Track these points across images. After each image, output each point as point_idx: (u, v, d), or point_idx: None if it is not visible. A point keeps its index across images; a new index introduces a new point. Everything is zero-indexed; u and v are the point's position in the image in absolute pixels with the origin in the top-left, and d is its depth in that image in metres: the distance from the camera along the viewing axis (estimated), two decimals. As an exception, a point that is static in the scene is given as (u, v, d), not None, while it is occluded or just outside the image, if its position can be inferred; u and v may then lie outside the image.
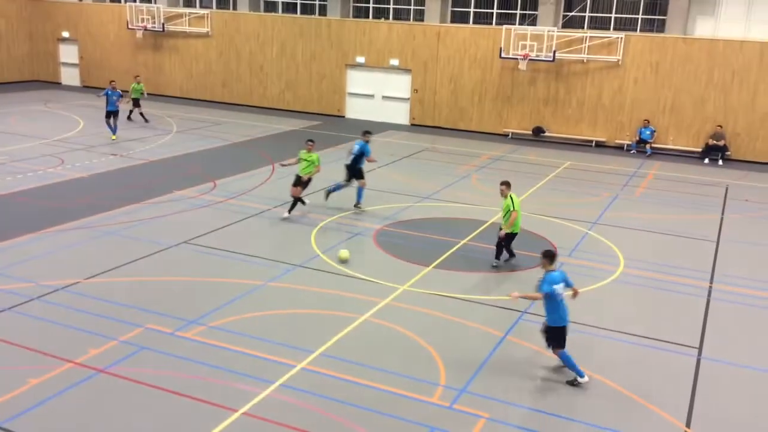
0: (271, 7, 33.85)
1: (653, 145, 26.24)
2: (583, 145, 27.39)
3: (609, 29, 27.49)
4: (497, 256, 13.76)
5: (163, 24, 33.80)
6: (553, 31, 26.83)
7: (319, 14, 32.52)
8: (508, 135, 28.59)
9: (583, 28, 27.87)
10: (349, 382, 9.16)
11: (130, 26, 34.41)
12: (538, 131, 28.09)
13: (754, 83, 24.91)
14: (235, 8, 33.96)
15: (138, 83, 27.59)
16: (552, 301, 9.21)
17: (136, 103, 27.57)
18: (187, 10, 34.00)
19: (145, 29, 34.13)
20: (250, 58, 33.07)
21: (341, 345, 10.17)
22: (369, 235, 15.25)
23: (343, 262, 11.99)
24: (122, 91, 25.10)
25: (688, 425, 8.61)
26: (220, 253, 13.72)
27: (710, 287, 13.15)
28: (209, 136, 25.67)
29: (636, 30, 27.23)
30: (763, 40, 24.86)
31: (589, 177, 22.30)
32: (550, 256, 9.49)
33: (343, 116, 31.77)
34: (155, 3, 34.45)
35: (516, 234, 13.63)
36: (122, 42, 35.51)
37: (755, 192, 21.03)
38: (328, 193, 17.15)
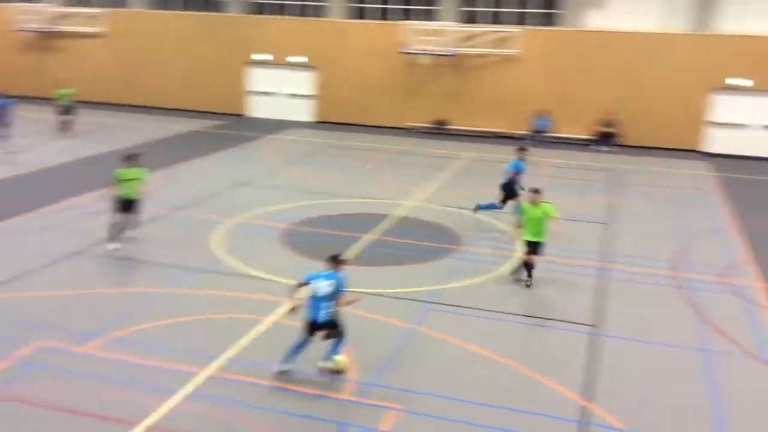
0: (167, 5, 32.82)
1: (550, 135, 27.18)
2: (485, 136, 28.05)
3: (506, 23, 28.24)
4: (530, 275, 12.55)
5: (53, 24, 32.14)
6: (453, 26, 27.29)
7: (218, 11, 31.81)
8: (412, 129, 28.92)
9: (481, 22, 28.50)
10: (258, 386, 8.99)
11: (17, 27, 32.53)
12: (441, 124, 28.55)
13: (642, 72, 26.20)
14: (129, 6, 32.72)
15: (65, 88, 25.59)
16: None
17: (67, 110, 25.38)
18: (79, 9, 32.50)
19: (34, 30, 32.35)
20: (147, 57, 31.97)
21: (248, 348, 9.97)
22: (275, 235, 15.04)
23: (339, 369, 9.32)
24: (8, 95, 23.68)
25: (589, 400, 8.95)
26: (118, 262, 13.18)
27: (604, 267, 13.72)
28: (106, 140, 24.63)
29: (531, 24, 28.09)
30: (649, 31, 26.19)
31: (491, 167, 22.77)
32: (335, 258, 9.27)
33: (247, 115, 31.25)
34: (44, 2, 32.71)
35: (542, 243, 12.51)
36: (9, 44, 33.52)
37: (644, 176, 22.13)
38: (478, 208, 16.44)
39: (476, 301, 11.98)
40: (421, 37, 27.48)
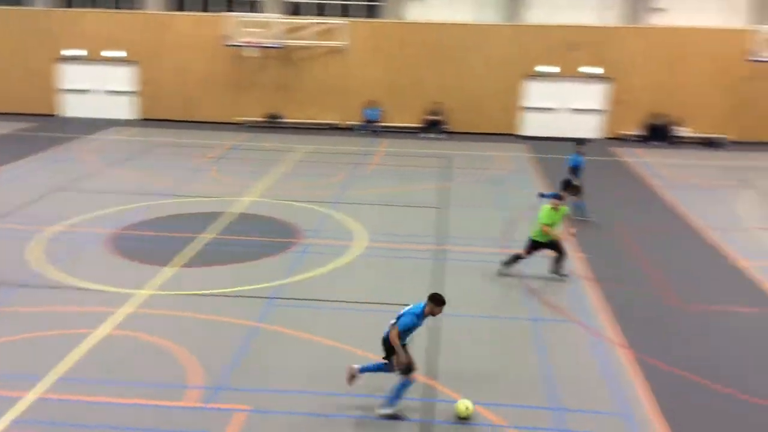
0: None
1: (380, 124, 27.82)
2: (318, 128, 28.14)
3: (332, 15, 28.41)
4: (511, 263, 12.87)
5: None
6: (279, 18, 27.04)
7: (22, 4, 29.12)
8: (244, 124, 28.34)
9: (305, 14, 28.47)
10: (94, 404, 8.41)
11: None
12: (273, 118, 28.25)
13: (462, 61, 27.51)
14: None
15: None
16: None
17: None
18: None
19: None
20: (-64, 54, 28.64)
21: (80, 365, 9.29)
22: (102, 242, 14.12)
23: (465, 415, 8.42)
24: None
25: (434, 378, 9.30)
26: None
27: (439, 249, 14.30)
28: None
29: (355, 16, 28.49)
30: (466, 23, 27.55)
31: (326, 159, 22.98)
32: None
33: (60, 115, 28.98)
34: None
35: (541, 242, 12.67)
36: None
37: (469, 160, 23.29)
38: (542, 196, 15.30)
39: (319, 292, 12.02)
40: (246, 29, 26.96)
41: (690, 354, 10.20)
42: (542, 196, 15.53)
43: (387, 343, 8.35)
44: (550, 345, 10.35)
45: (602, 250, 14.66)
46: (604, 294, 12.28)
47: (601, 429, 8.32)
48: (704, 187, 20.07)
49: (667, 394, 9.04)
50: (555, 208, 12.55)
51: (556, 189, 14.00)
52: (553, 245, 12.69)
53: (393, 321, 8.35)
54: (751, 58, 26.06)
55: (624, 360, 9.96)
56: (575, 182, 15.53)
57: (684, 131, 26.96)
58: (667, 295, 12.27)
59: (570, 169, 16.52)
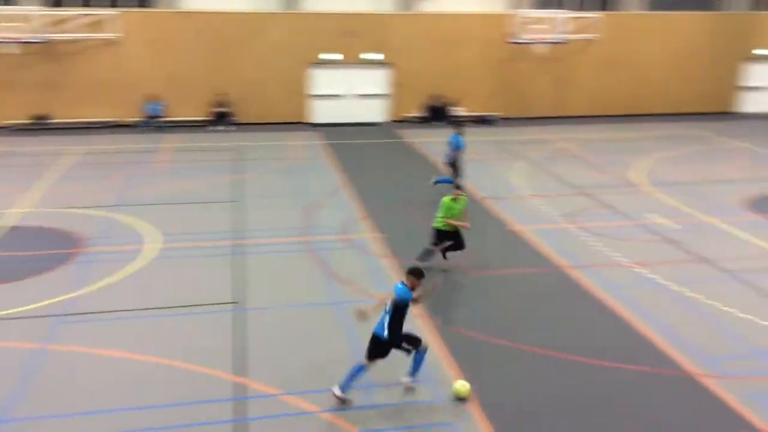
0: None
1: (164, 119, 26.51)
2: (95, 127, 26.12)
3: (99, 5, 26.38)
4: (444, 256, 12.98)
5: None
6: (39, 10, 24.61)
7: None
8: (6, 127, 25.50)
9: (69, 5, 26.17)
10: None
11: None
12: (41, 119, 25.76)
13: (244, 51, 26.99)
14: None
15: None
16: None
17: None
18: None
19: None
20: None
21: None
22: None
23: (463, 395, 8.62)
24: None
25: (245, 375, 9.10)
26: None
27: (239, 244, 14.00)
28: None
29: (126, 5, 26.73)
30: (244, 11, 27.04)
31: (106, 159, 21.44)
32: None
33: None
34: None
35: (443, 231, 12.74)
36: None
37: (262, 150, 22.99)
38: (437, 182, 17.42)
39: (111, 303, 11.21)
40: (2, 24, 24.19)
41: (485, 316, 10.98)
42: (436, 182, 17.68)
43: (385, 338, 8.36)
44: (355, 326, 10.56)
45: (397, 227, 15.25)
46: (402, 270, 12.77)
47: (409, 396, 8.68)
48: (483, 161, 21.63)
49: (468, 356, 9.67)
50: (455, 199, 12.70)
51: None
52: (454, 236, 12.83)
53: (388, 314, 8.37)
54: (510, 41, 28.49)
55: (426, 329, 10.46)
56: (458, 163, 17.50)
57: (460, 111, 28.85)
58: (460, 264, 13.07)
59: (452, 150, 17.60)
